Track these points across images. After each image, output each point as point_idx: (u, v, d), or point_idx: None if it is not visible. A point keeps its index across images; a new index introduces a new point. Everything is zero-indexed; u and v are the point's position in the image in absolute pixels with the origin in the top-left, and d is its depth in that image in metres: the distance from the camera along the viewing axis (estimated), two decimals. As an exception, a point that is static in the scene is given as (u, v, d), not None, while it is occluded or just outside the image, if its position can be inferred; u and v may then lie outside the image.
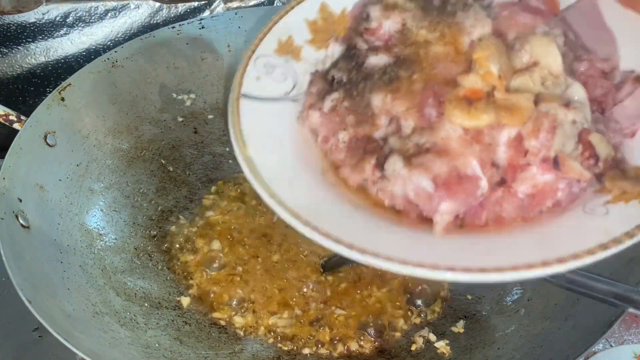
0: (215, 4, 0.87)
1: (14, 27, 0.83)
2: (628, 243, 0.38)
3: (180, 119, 0.77)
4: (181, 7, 0.87)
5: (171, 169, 0.74)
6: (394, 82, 0.43)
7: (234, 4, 0.87)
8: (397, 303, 0.62)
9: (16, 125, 0.63)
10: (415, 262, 0.38)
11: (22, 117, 0.63)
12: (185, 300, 0.63)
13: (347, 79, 0.47)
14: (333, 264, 0.64)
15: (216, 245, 0.67)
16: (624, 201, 0.39)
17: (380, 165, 0.43)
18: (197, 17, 0.86)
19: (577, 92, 0.41)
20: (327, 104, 0.47)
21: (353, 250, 0.39)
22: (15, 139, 0.62)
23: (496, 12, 0.45)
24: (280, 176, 0.45)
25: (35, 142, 0.63)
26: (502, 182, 0.41)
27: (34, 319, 0.50)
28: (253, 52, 0.51)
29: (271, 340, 0.60)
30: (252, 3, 0.87)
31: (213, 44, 0.77)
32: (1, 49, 0.84)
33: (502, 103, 0.40)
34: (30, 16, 0.83)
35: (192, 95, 0.77)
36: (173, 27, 0.76)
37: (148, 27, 0.86)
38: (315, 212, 0.42)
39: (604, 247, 0.37)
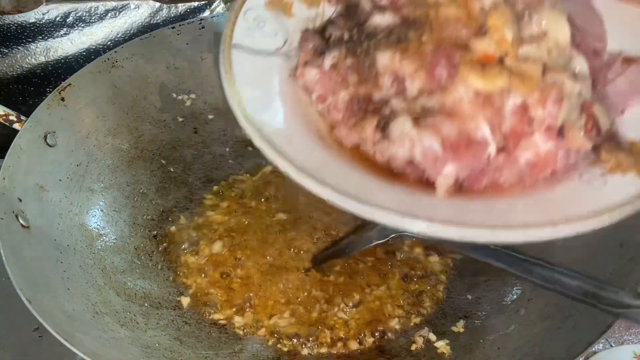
0: (215, 4, 0.87)
1: (14, 27, 0.83)
2: (629, 209, 0.38)
3: (180, 119, 0.77)
4: (181, 7, 0.86)
5: (171, 169, 0.74)
6: (402, 42, 0.42)
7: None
8: (397, 301, 0.62)
9: (16, 125, 0.63)
10: (412, 214, 0.38)
11: (22, 117, 0.63)
12: (185, 300, 0.63)
13: (348, 36, 0.45)
14: (323, 257, 0.65)
15: (217, 245, 0.67)
16: (621, 172, 0.40)
17: (381, 127, 0.42)
18: (197, 17, 0.86)
19: (581, 64, 0.42)
20: (328, 61, 0.45)
21: (360, 203, 0.38)
22: (15, 139, 0.62)
23: None
24: (279, 132, 0.43)
25: (35, 142, 0.63)
26: (502, 149, 0.41)
27: (34, 319, 0.50)
28: (243, 3, 0.49)
29: (271, 342, 0.60)
30: (252, 3, 0.87)
31: (213, 44, 0.77)
32: (1, 49, 0.84)
33: (514, 70, 0.40)
34: (30, 16, 0.83)
35: (192, 95, 0.77)
36: (173, 27, 0.76)
37: (148, 27, 0.86)
38: (317, 170, 0.41)
39: (604, 211, 0.38)
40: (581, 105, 0.41)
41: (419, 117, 0.41)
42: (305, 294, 0.63)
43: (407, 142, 0.41)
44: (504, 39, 0.40)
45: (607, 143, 0.41)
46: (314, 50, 0.47)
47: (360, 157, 0.44)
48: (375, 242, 0.63)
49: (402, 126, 0.41)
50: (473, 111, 0.40)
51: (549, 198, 0.40)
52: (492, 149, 0.40)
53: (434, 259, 0.67)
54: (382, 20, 0.44)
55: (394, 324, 0.61)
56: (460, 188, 0.41)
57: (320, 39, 0.48)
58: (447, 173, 0.40)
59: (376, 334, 0.60)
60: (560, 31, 0.42)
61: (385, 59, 0.43)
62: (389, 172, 0.43)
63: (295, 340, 0.59)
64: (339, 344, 0.59)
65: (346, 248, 0.66)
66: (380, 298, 0.62)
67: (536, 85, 0.40)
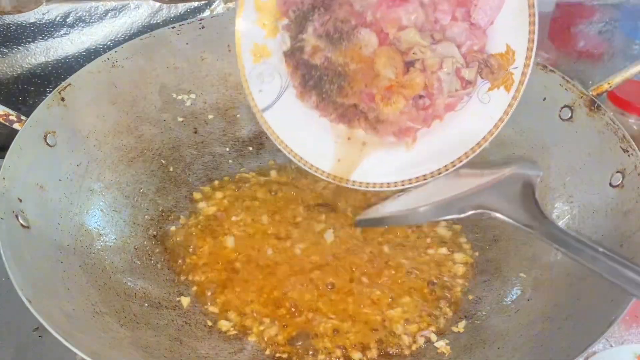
0: (215, 4, 0.87)
1: (14, 27, 0.83)
2: (502, 124, 0.63)
3: (180, 119, 0.77)
4: (181, 7, 0.86)
5: (171, 169, 0.74)
6: (342, 90, 0.66)
7: (234, 4, 0.87)
8: (412, 317, 0.62)
9: (16, 125, 0.63)
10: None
11: (22, 117, 0.63)
12: (185, 300, 0.63)
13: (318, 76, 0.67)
14: (367, 222, 0.68)
15: (218, 245, 0.67)
16: (496, 88, 0.63)
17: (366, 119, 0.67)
18: (197, 17, 0.86)
19: (447, 48, 0.62)
20: (314, 100, 0.67)
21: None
22: (15, 139, 0.62)
23: (373, 13, 0.62)
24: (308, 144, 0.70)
25: (35, 142, 0.63)
26: (429, 106, 0.65)
27: (34, 319, 0.50)
28: (244, 74, 0.68)
29: (268, 352, 0.59)
30: (252, 3, 0.87)
31: (213, 44, 0.77)
32: (1, 49, 0.84)
33: (406, 84, 0.63)
34: (30, 16, 0.83)
35: (192, 95, 0.77)
36: (173, 27, 0.75)
37: (148, 27, 0.86)
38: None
39: (491, 133, 0.64)
40: (456, 72, 0.63)
41: (376, 123, 0.66)
42: (307, 301, 0.62)
43: (374, 136, 0.68)
44: (388, 77, 0.64)
45: (484, 69, 0.62)
46: (300, 82, 0.67)
47: None
48: (450, 217, 0.63)
49: (362, 134, 0.68)
50: (396, 119, 0.65)
51: (458, 121, 0.65)
52: (418, 125, 0.66)
53: (459, 256, 0.67)
54: (317, 60, 0.66)
55: (403, 339, 0.60)
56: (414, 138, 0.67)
57: (304, 69, 0.66)
58: (407, 140, 0.67)
59: (382, 347, 0.60)
60: (418, 39, 0.62)
61: (341, 100, 0.66)
62: None
63: (298, 344, 0.59)
64: (339, 351, 0.59)
65: (394, 219, 0.67)
66: (396, 319, 0.61)
67: (420, 87, 0.63)
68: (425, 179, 0.66)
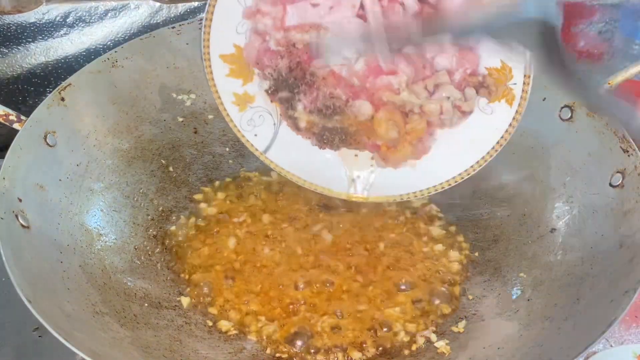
0: (215, 4, 0.87)
1: (14, 27, 0.83)
2: (509, 136, 0.64)
3: (180, 119, 0.77)
4: (181, 7, 0.86)
5: (171, 169, 0.74)
6: (345, 141, 0.67)
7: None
8: (409, 315, 0.62)
9: (16, 125, 0.63)
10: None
11: (22, 117, 0.63)
12: (185, 300, 0.63)
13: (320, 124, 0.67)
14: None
15: (218, 245, 0.67)
16: (497, 101, 0.63)
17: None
18: (197, 17, 0.86)
19: (442, 92, 0.62)
20: (314, 141, 0.68)
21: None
22: (15, 139, 0.62)
23: (361, 82, 0.62)
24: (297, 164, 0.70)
25: (35, 142, 0.63)
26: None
27: (34, 319, 0.50)
28: (235, 125, 0.69)
29: (268, 351, 0.59)
30: (252, 3, 0.87)
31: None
32: (1, 49, 0.84)
33: (410, 131, 0.64)
34: (30, 16, 0.83)
35: (192, 95, 0.77)
36: (173, 27, 0.75)
37: (148, 27, 0.86)
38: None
39: (499, 144, 0.64)
40: (455, 107, 0.63)
41: (384, 158, 0.67)
42: (308, 300, 0.62)
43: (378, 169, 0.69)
44: (391, 137, 0.65)
45: (481, 89, 0.63)
46: (292, 124, 0.67)
47: None
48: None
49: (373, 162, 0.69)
50: (407, 155, 0.66)
51: (469, 132, 0.65)
52: (423, 154, 0.67)
53: (455, 254, 0.67)
54: (315, 130, 0.67)
55: (399, 334, 0.61)
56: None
57: (287, 100, 0.67)
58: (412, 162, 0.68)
59: (379, 343, 0.60)
60: (413, 99, 0.63)
61: (344, 146, 0.67)
62: None
63: (298, 343, 0.59)
64: (339, 353, 0.59)
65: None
66: (391, 315, 0.62)
67: (423, 131, 0.64)
68: (442, 188, 0.67)
